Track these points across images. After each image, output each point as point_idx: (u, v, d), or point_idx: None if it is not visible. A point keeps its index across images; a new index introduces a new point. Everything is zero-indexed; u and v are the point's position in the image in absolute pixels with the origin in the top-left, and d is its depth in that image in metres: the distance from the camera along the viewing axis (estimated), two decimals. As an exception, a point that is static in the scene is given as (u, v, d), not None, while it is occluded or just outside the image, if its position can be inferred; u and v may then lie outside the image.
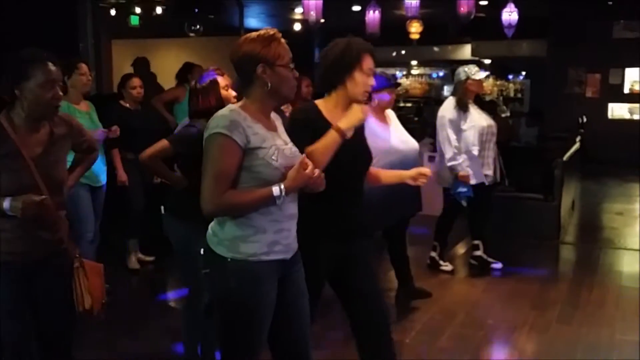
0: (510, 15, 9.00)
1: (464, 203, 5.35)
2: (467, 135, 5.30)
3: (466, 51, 14.84)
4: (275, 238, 2.38)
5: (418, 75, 18.27)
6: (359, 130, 2.93)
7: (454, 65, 16.26)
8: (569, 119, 11.58)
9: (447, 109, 5.35)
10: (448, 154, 5.26)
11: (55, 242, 2.65)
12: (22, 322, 2.62)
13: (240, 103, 2.42)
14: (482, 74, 5.42)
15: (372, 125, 4.18)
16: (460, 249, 6.34)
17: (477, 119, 5.34)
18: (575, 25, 12.22)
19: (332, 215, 2.80)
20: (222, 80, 3.48)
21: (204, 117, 3.38)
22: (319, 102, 2.86)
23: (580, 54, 12.47)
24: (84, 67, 4.63)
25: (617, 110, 12.82)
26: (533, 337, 4.28)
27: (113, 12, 10.65)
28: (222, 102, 3.40)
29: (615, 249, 6.60)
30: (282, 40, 2.39)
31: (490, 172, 5.44)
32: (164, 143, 3.39)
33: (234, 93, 3.49)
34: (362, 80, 2.76)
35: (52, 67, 2.54)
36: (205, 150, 2.32)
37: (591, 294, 5.12)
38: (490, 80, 14.31)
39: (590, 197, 9.31)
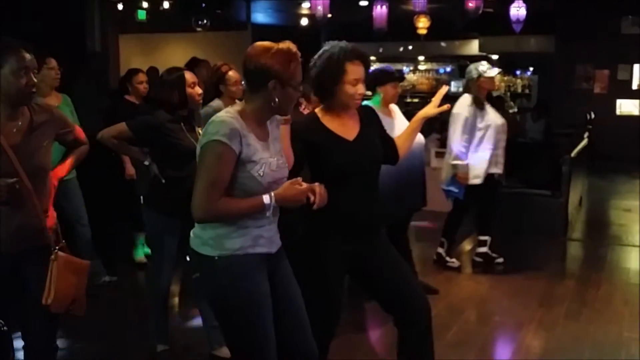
0: (518, 10, 8.98)
1: (450, 201, 5.39)
2: (483, 134, 5.27)
3: (473, 47, 14.78)
4: (258, 232, 2.40)
5: (425, 70, 18.22)
6: (370, 129, 2.95)
7: (461, 60, 16.20)
8: (577, 115, 11.52)
9: (463, 106, 5.29)
10: (454, 151, 5.24)
11: (39, 233, 2.64)
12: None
13: (238, 107, 2.41)
14: (494, 71, 5.37)
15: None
16: (467, 246, 6.33)
17: (493, 118, 5.32)
18: (583, 20, 12.15)
19: (340, 214, 2.79)
20: (189, 77, 3.54)
21: (164, 109, 3.50)
22: (318, 110, 2.92)
23: (588, 50, 12.41)
24: (52, 61, 4.70)
25: (626, 106, 12.74)
26: (540, 334, 4.27)
27: (120, 6, 10.65)
28: (185, 99, 3.50)
29: (622, 245, 6.57)
30: (299, 59, 2.38)
31: (499, 170, 5.43)
32: (122, 126, 3.55)
33: (199, 91, 3.55)
34: (349, 91, 2.78)
35: (25, 54, 2.56)
36: (201, 156, 2.31)
37: (599, 291, 5.10)
38: (498, 76, 14.23)
39: (598, 193, 9.27)
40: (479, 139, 5.27)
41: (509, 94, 14.95)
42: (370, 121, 2.98)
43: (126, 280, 5.27)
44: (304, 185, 2.37)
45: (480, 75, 5.28)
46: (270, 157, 2.40)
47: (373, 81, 4.42)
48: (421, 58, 17.85)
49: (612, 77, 12.67)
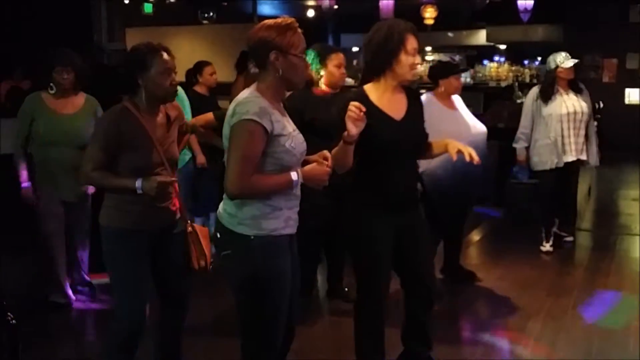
0: (525, -1, 8.95)
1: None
2: (545, 122, 5.48)
3: (481, 36, 14.70)
4: (289, 214, 2.51)
5: (432, 61, 18.17)
6: (415, 109, 3.01)
7: (468, 50, 16.12)
8: (585, 105, 11.44)
9: (529, 97, 5.67)
10: (516, 136, 5.65)
11: (174, 213, 3.00)
12: (146, 283, 2.95)
13: (254, 87, 2.47)
14: (570, 62, 5.51)
15: (438, 112, 4.22)
16: (475, 236, 6.32)
17: (558, 107, 5.46)
18: (591, 9, 12.07)
19: (383, 189, 2.92)
20: None
21: None
22: (367, 88, 2.95)
23: (596, 39, 12.33)
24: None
25: (634, 95, 12.67)
26: (549, 324, 4.26)
27: (126, 0, 10.66)
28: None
29: (631, 235, 6.55)
30: (299, 30, 2.45)
31: (572, 158, 5.54)
32: (209, 116, 3.87)
33: None
34: (408, 61, 2.85)
35: (166, 56, 2.85)
36: (233, 135, 2.38)
37: (607, 281, 5.09)
38: (506, 65, 14.18)
39: (607, 183, 9.24)
40: (542, 127, 5.51)
41: (517, 83, 14.84)
42: (415, 103, 3.03)
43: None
44: (328, 162, 2.51)
45: (557, 67, 5.47)
46: (293, 131, 2.50)
47: (435, 74, 4.46)
48: (428, 49, 17.75)
49: (620, 66, 12.60)
